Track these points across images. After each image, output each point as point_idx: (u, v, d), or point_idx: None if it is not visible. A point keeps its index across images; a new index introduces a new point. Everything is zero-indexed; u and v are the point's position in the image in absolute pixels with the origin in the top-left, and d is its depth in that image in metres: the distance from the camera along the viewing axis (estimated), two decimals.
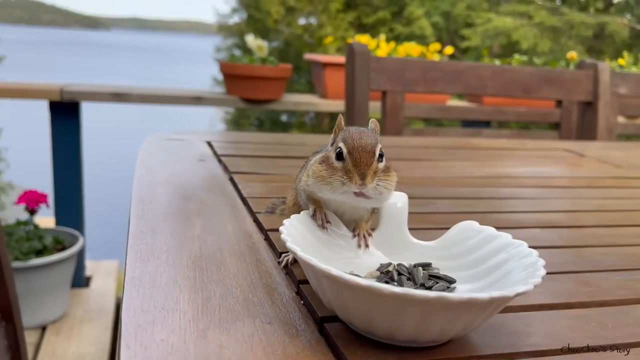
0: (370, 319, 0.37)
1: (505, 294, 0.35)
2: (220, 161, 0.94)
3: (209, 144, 1.07)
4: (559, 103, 1.81)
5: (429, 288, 0.44)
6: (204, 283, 0.46)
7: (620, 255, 0.63)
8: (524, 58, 3.33)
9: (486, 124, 2.94)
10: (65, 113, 2.66)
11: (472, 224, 0.49)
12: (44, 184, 2.69)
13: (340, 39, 8.65)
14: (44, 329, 2.33)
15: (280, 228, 0.43)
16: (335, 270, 0.35)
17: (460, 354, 0.39)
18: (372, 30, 9.32)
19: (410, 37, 8.64)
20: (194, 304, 0.43)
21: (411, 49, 3.13)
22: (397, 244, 0.50)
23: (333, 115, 6.51)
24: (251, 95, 2.83)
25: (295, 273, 0.49)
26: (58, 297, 2.43)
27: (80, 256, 2.66)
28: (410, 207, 0.73)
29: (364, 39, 3.07)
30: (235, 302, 0.44)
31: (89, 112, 2.87)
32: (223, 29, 18.17)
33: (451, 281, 0.45)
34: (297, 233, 0.44)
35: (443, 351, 0.39)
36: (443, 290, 0.44)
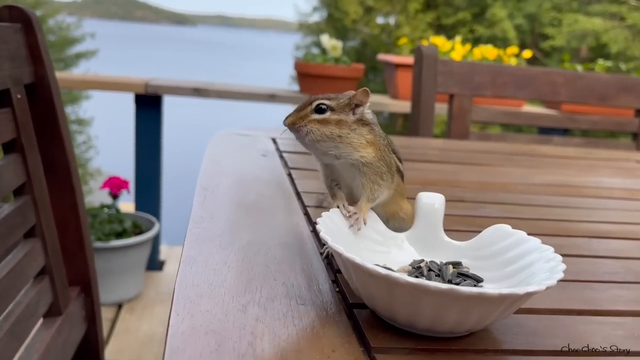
0: (391, 306, 0.40)
1: (515, 292, 0.37)
2: (281, 157, 1.00)
3: (274, 140, 1.13)
4: (638, 112, 1.74)
5: (454, 283, 0.47)
6: (250, 266, 0.51)
7: None
8: (609, 64, 3.18)
9: (564, 131, 2.84)
10: (148, 105, 2.83)
11: (504, 227, 0.51)
12: (128, 171, 2.87)
13: (417, 39, 8.57)
14: (120, 306, 2.50)
15: (317, 219, 0.47)
16: (359, 259, 0.39)
17: (477, 347, 0.42)
18: (451, 31, 9.16)
19: (491, 39, 8.42)
20: (239, 283, 0.48)
21: (487, 51, 3.07)
22: (431, 242, 0.53)
23: (405, 116, 6.47)
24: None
25: (335, 263, 0.54)
26: (134, 277, 2.60)
27: (155, 241, 2.83)
28: (459, 210, 0.76)
29: (439, 40, 3.05)
30: (275, 284, 0.48)
31: (169, 105, 3.02)
32: (303, 27, 18.45)
33: (479, 280, 0.48)
34: (333, 225, 0.48)
35: (461, 342, 0.42)
36: (469, 286, 0.46)
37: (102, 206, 2.57)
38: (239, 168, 0.87)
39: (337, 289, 0.50)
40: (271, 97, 2.91)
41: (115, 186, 2.59)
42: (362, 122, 0.54)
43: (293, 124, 0.54)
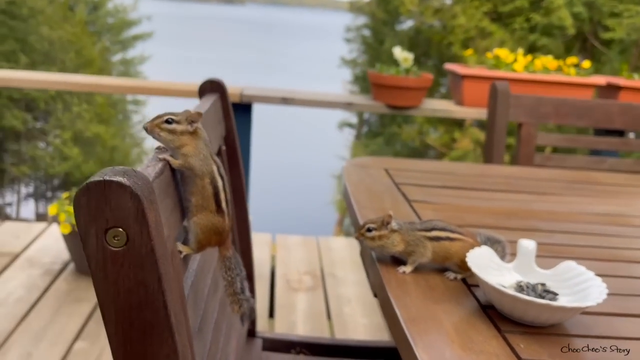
0: (512, 309, 0.77)
1: (580, 305, 0.73)
2: (398, 189, 1.36)
3: (387, 171, 1.50)
4: None
5: (543, 297, 0.83)
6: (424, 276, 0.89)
7: None
8: None
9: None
10: (241, 112, 3.24)
11: (571, 263, 0.87)
12: None
13: (473, 28, 8.73)
14: None
15: (467, 259, 0.84)
16: (497, 285, 0.76)
17: (557, 332, 0.78)
18: (508, 19, 9.25)
19: (548, 28, 8.47)
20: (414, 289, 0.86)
21: (548, 62, 3.33)
22: (527, 270, 0.89)
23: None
24: (395, 102, 3.23)
25: (468, 282, 0.91)
26: None
27: None
28: (536, 238, 1.11)
29: (502, 52, 3.32)
30: (436, 294, 0.86)
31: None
32: (354, 7, 18.53)
33: (556, 294, 0.84)
34: (477, 261, 0.85)
35: (549, 329, 0.79)
36: (551, 299, 0.82)
37: None
38: (374, 200, 1.24)
39: (474, 297, 0.87)
40: (348, 105, 3.27)
41: None
42: (393, 231, 0.93)
43: (357, 238, 0.94)
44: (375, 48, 15.68)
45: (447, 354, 0.70)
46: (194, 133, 0.75)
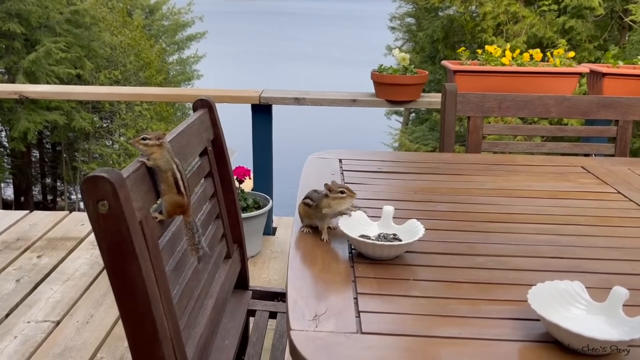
0: (359, 247, 1.22)
1: (399, 244, 1.18)
2: (342, 174, 1.81)
3: (340, 160, 1.95)
4: (616, 122, 2.34)
5: (391, 241, 1.27)
6: (311, 254, 1.35)
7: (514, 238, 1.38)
8: None
9: None
10: (262, 112, 3.74)
11: (414, 221, 1.30)
12: (248, 162, 3.83)
13: (502, 13, 8.85)
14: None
15: (339, 223, 1.29)
16: (355, 236, 1.22)
17: (389, 262, 1.23)
18: (537, 2, 9.29)
19: (577, 9, 8.47)
20: (301, 252, 1.32)
21: (535, 54, 3.63)
22: (387, 226, 1.32)
23: None
24: (395, 98, 3.64)
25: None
26: (255, 240, 3.57)
27: (269, 213, 3.77)
28: (422, 207, 1.54)
29: (491, 48, 3.65)
30: (326, 243, 1.32)
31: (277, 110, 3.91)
32: None
33: (400, 240, 1.27)
34: (348, 223, 1.30)
35: (385, 261, 1.23)
36: (395, 243, 1.26)
37: None
38: (318, 185, 1.70)
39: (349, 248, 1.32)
40: (353, 102, 3.71)
41: (241, 174, 3.55)
42: (327, 196, 1.36)
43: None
44: (417, 36, 15.88)
45: (308, 271, 1.16)
46: (160, 145, 1.24)
